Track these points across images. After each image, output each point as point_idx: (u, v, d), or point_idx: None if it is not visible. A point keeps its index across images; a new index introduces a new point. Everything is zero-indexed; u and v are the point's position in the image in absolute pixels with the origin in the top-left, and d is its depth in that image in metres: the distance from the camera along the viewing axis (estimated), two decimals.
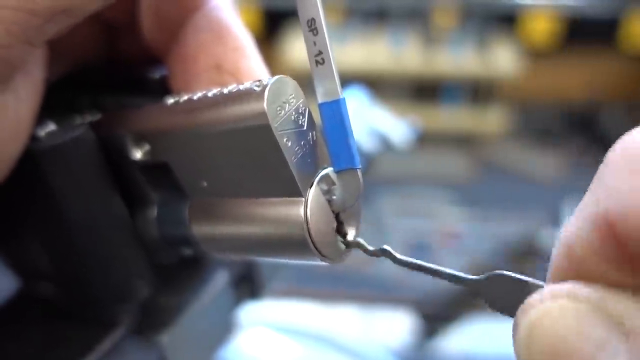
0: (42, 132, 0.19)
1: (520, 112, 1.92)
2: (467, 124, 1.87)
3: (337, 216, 0.17)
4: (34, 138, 0.19)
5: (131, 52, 0.24)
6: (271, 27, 1.83)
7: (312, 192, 0.17)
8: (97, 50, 0.24)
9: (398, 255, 0.17)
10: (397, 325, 1.00)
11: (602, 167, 0.12)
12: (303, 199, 0.17)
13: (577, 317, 0.12)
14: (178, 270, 0.25)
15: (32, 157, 0.19)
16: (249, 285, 0.29)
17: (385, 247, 0.17)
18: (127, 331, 0.23)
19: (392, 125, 0.62)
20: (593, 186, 0.12)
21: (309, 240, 0.17)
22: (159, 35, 0.22)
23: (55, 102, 0.21)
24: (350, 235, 0.18)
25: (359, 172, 0.17)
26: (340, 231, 0.18)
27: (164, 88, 0.22)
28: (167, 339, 0.24)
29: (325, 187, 0.17)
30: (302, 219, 0.17)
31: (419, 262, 0.16)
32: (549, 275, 0.13)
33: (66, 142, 0.19)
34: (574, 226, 0.12)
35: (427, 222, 1.49)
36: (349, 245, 0.18)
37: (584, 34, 1.83)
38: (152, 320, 0.24)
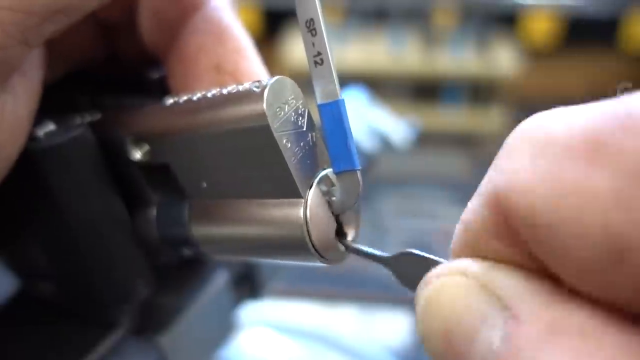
0: (41, 132, 0.19)
1: (520, 112, 1.92)
2: (467, 124, 1.87)
3: (336, 218, 0.17)
4: (33, 138, 0.19)
5: (130, 52, 0.24)
6: (271, 27, 1.83)
7: (312, 194, 0.17)
8: (95, 50, 0.24)
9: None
10: (397, 325, 1.00)
11: (504, 145, 0.12)
12: (302, 200, 0.17)
13: (465, 293, 0.12)
14: (178, 270, 0.25)
15: (31, 157, 0.19)
16: (248, 285, 0.29)
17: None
18: (127, 331, 0.23)
19: (392, 125, 0.62)
20: (491, 167, 0.12)
21: (309, 242, 0.17)
22: (158, 36, 0.22)
23: (55, 102, 0.21)
24: (350, 236, 0.18)
25: (359, 174, 0.17)
26: (340, 233, 0.18)
27: (163, 88, 0.22)
28: (167, 339, 0.24)
29: (324, 188, 0.17)
30: (302, 221, 0.16)
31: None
32: (451, 252, 0.14)
33: (66, 142, 0.19)
34: (470, 204, 0.13)
35: (427, 222, 1.49)
36: (348, 248, 0.18)
37: (584, 34, 1.83)
38: (152, 321, 0.24)
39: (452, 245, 0.14)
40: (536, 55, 1.88)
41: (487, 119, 1.85)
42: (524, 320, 0.11)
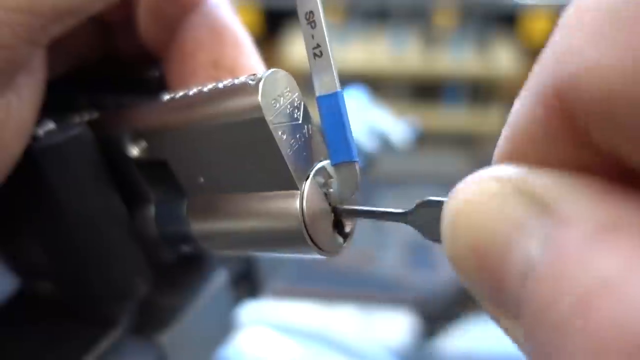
0: (40, 131, 0.20)
1: None
2: (467, 124, 1.87)
3: (334, 210, 0.17)
4: (33, 137, 0.19)
5: (128, 50, 0.24)
6: (271, 26, 1.83)
7: (308, 185, 0.17)
8: (94, 48, 0.24)
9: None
10: (397, 325, 1.00)
11: (554, 31, 0.10)
12: (299, 192, 0.17)
13: (498, 199, 0.10)
14: (178, 269, 0.25)
15: (31, 155, 0.19)
16: (248, 284, 0.29)
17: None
18: (126, 330, 0.23)
19: (392, 125, 0.62)
20: (543, 54, 0.10)
21: (306, 233, 0.17)
22: (156, 33, 0.22)
23: (54, 101, 0.21)
24: (348, 229, 0.18)
25: (357, 165, 0.17)
26: (338, 225, 0.18)
27: (162, 87, 0.22)
28: (166, 338, 0.24)
29: (322, 180, 0.17)
30: (298, 212, 0.16)
31: (358, 207, 0.17)
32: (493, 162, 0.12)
33: (65, 141, 0.19)
34: (517, 104, 0.11)
35: None
36: (358, 212, 0.17)
37: None
38: (151, 320, 0.24)
39: (494, 157, 0.12)
40: (536, 55, 1.87)
41: (487, 118, 1.85)
42: (570, 221, 0.09)
